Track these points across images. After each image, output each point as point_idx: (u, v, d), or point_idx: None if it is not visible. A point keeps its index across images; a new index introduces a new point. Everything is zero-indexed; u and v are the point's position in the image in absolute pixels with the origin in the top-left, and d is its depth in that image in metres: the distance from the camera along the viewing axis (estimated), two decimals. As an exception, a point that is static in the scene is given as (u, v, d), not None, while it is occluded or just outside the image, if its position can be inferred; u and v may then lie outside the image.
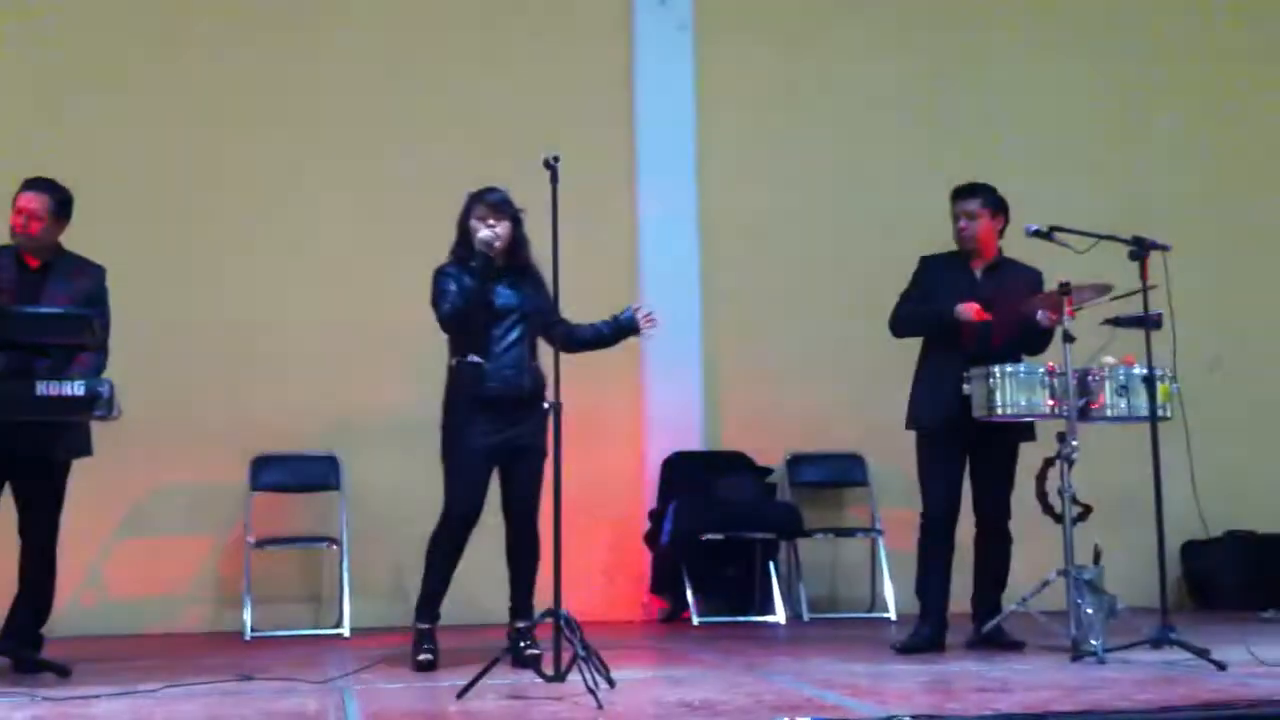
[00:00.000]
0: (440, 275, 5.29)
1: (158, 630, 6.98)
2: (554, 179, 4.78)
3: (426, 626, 5.24)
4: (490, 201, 5.28)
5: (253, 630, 6.68)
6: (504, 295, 5.25)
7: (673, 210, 7.70)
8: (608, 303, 7.39)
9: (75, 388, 4.82)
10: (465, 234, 5.30)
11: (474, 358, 5.18)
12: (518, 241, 5.31)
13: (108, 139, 7.23)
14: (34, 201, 5.27)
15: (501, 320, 5.24)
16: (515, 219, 5.30)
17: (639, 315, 5.40)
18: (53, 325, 4.93)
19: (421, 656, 5.16)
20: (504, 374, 5.19)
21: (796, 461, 7.63)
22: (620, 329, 5.40)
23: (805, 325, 7.75)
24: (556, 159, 4.78)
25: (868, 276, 7.04)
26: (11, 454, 5.14)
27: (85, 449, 5.35)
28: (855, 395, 7.54)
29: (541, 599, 5.00)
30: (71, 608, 6.03)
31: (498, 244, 5.22)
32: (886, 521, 7.37)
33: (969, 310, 5.51)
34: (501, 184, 6.74)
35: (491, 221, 5.23)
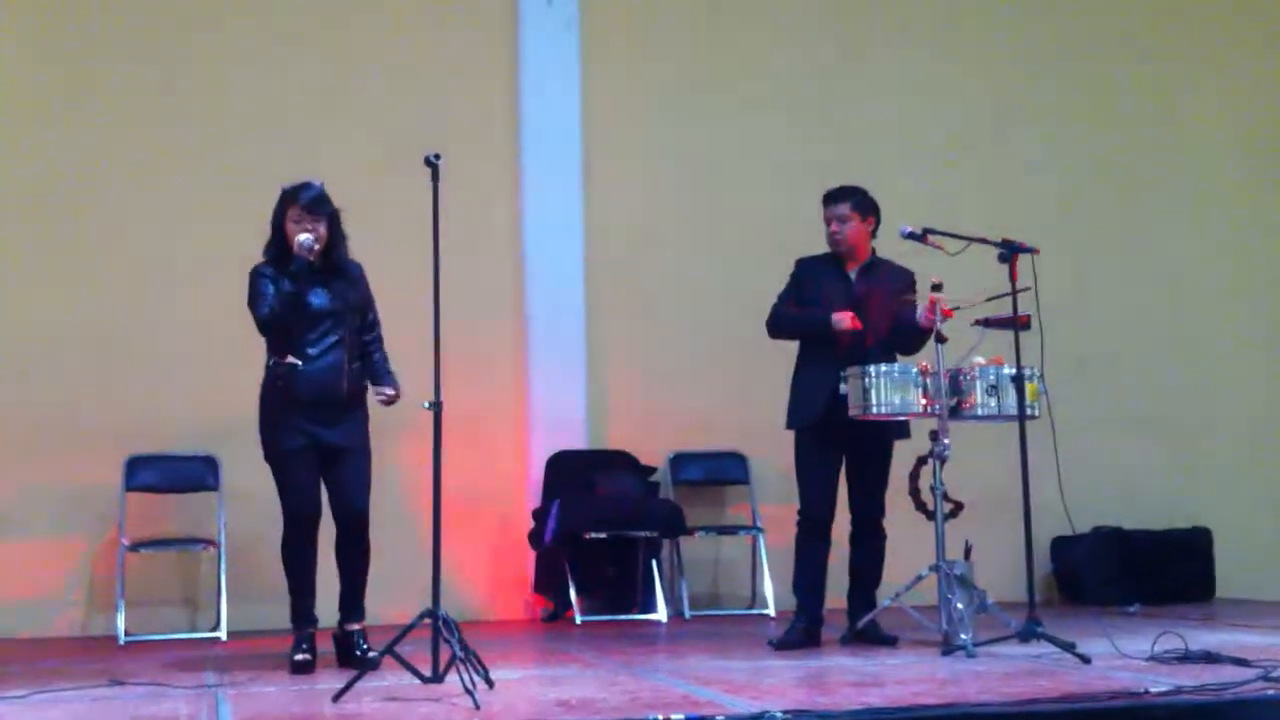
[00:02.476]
0: (256, 276, 5.19)
1: (28, 635, 6.82)
2: (435, 177, 4.76)
3: (305, 630, 5.22)
4: (305, 202, 5.15)
5: (127, 635, 6.55)
6: (319, 297, 5.15)
7: (558, 209, 7.69)
8: (493, 304, 7.47)
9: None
10: (280, 233, 5.19)
11: (291, 359, 5.12)
12: (334, 240, 5.21)
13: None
14: None
15: (318, 324, 5.16)
16: (332, 216, 5.20)
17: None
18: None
19: (299, 657, 5.14)
20: (320, 378, 5.13)
21: (678, 460, 7.69)
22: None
23: (688, 325, 7.82)
24: (438, 157, 4.76)
25: (748, 277, 7.11)
26: None
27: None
28: (736, 394, 7.62)
29: (421, 599, 4.99)
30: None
31: (317, 247, 5.12)
32: (766, 519, 7.45)
33: (843, 320, 5.61)
34: (387, 181, 6.76)
35: (308, 224, 5.12)
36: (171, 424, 7.07)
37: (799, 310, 5.80)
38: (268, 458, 5.23)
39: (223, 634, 6.61)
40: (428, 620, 4.52)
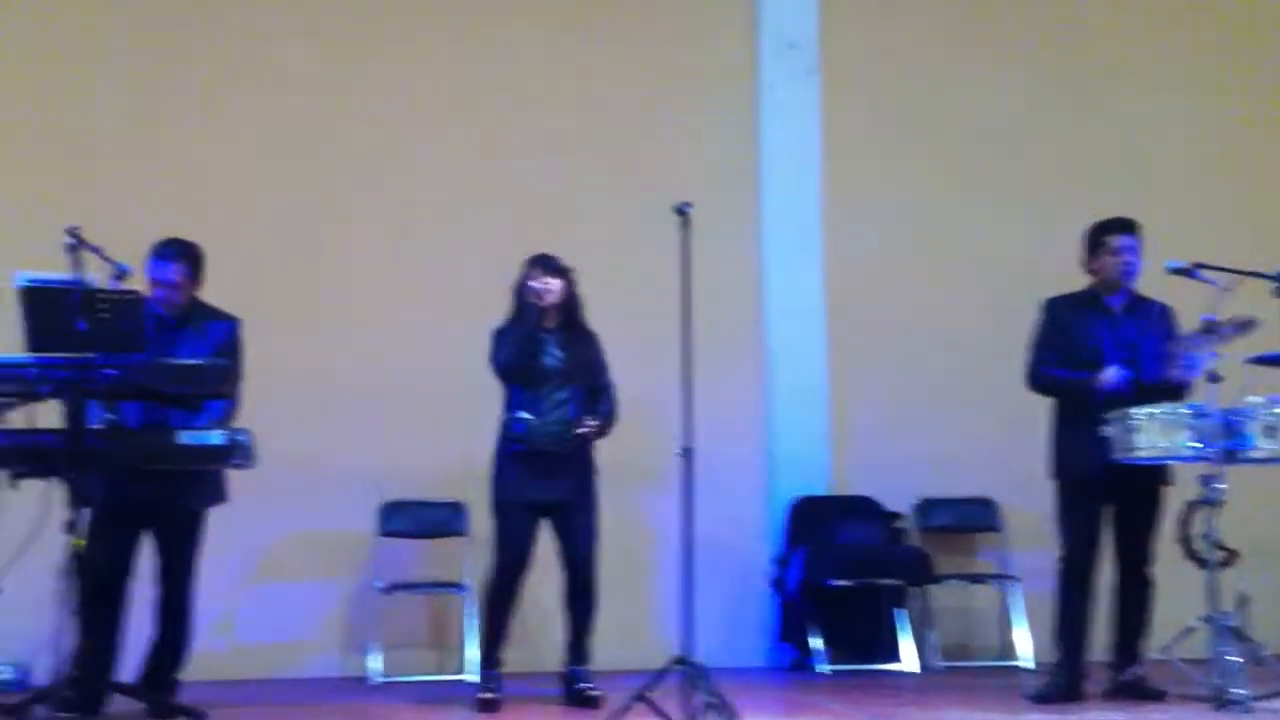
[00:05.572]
0: (497, 334, 5.71)
1: (287, 675, 7.05)
2: (685, 224, 4.80)
3: (494, 671, 5.59)
4: (543, 263, 5.67)
5: (379, 675, 6.70)
6: (553, 355, 5.59)
7: (797, 252, 7.65)
8: (734, 343, 7.44)
9: (217, 437, 4.93)
10: (521, 298, 5.67)
11: (523, 414, 5.53)
12: (572, 300, 5.66)
13: (237, 186, 7.37)
14: (172, 274, 5.33)
15: (550, 379, 5.57)
16: (568, 279, 5.64)
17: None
18: (194, 376, 5.01)
19: (484, 695, 5.51)
20: (550, 431, 5.54)
21: (926, 506, 7.49)
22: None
23: (933, 367, 7.62)
24: (688, 205, 4.82)
25: (996, 317, 6.94)
26: (151, 502, 5.24)
27: (222, 496, 5.46)
28: (985, 438, 7.38)
29: (668, 646, 4.98)
30: (204, 653, 6.10)
31: (549, 296, 5.56)
32: (1019, 567, 7.20)
33: (1109, 380, 5.39)
34: (630, 229, 6.88)
35: (545, 278, 5.59)
36: (422, 471, 7.23)
37: (1064, 372, 5.57)
38: (492, 507, 5.67)
39: (469, 675, 6.70)
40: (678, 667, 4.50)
